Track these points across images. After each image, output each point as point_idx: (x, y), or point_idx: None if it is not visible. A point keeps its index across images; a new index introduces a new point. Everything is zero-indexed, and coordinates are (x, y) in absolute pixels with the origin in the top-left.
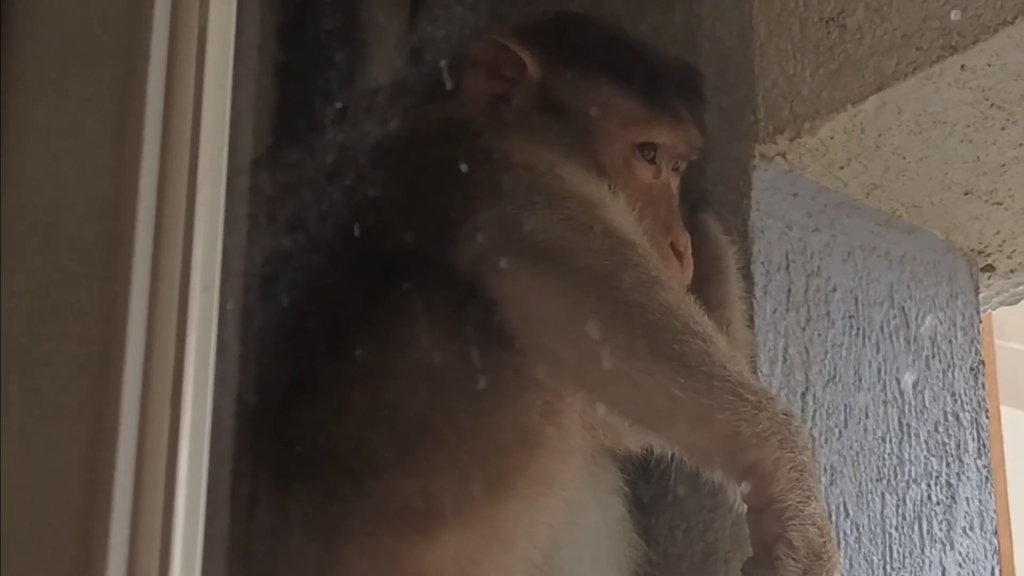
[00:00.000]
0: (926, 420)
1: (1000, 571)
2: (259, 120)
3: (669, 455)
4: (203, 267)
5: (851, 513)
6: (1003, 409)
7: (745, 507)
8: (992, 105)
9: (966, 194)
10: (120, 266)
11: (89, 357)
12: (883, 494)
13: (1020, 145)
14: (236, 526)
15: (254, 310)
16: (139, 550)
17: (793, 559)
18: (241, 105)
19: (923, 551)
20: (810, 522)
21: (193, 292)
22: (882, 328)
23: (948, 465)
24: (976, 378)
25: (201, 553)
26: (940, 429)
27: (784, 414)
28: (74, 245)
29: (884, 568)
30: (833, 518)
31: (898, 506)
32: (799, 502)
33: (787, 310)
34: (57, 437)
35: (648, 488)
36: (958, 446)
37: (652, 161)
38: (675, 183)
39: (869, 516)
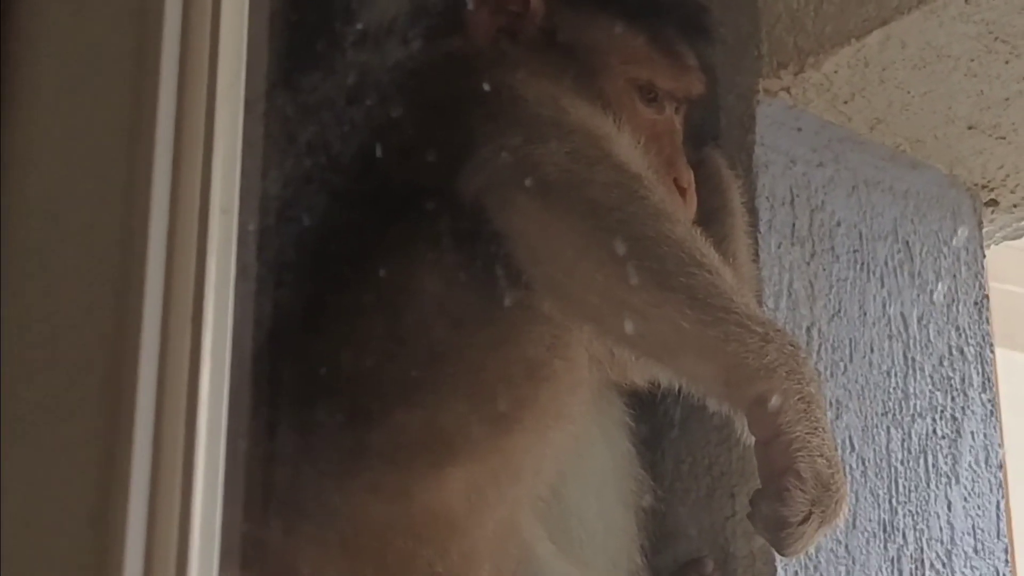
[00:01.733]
0: (931, 354)
1: (1006, 505)
2: (276, 42)
3: (676, 388)
4: (222, 189)
5: (857, 447)
6: (998, 351)
7: (752, 439)
8: (996, 39)
9: (970, 128)
10: (139, 189)
11: (108, 281)
12: (888, 428)
13: None
14: (257, 450)
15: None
16: (160, 473)
17: (801, 490)
18: (258, 27)
19: (928, 485)
20: (818, 453)
21: (213, 214)
22: (886, 263)
23: (953, 399)
24: (980, 312)
25: (223, 475)
26: (945, 363)
27: (791, 345)
28: (92, 169)
29: (890, 502)
30: (839, 452)
31: (903, 440)
32: (807, 433)
33: (791, 244)
34: (79, 359)
35: (654, 422)
36: (963, 380)
37: (654, 100)
38: (678, 119)
39: (875, 450)
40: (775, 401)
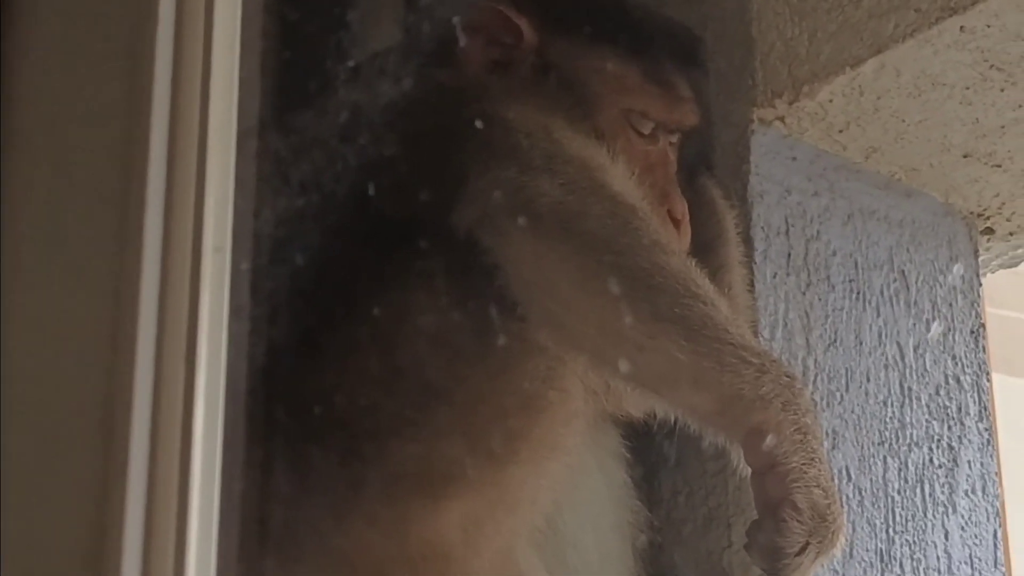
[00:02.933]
0: (927, 383)
1: (1002, 534)
2: (268, 81)
3: (672, 419)
4: (215, 228)
5: (853, 477)
6: (995, 377)
7: (749, 470)
8: (991, 66)
9: (965, 156)
10: (132, 228)
11: (102, 318)
12: (885, 458)
13: (1019, 107)
14: (252, 489)
15: (265, 271)
16: (155, 514)
17: (798, 521)
18: (250, 66)
19: (925, 514)
20: (814, 484)
21: (206, 253)
22: (882, 292)
23: (950, 428)
24: (976, 341)
25: (218, 516)
26: (941, 392)
27: (787, 376)
28: (85, 208)
29: (887, 531)
30: (835, 482)
31: (900, 470)
32: (803, 464)
33: (787, 274)
34: (72, 398)
35: (650, 453)
36: (959, 409)
37: (648, 131)
38: (672, 150)
39: (871, 480)
40: (771, 439)
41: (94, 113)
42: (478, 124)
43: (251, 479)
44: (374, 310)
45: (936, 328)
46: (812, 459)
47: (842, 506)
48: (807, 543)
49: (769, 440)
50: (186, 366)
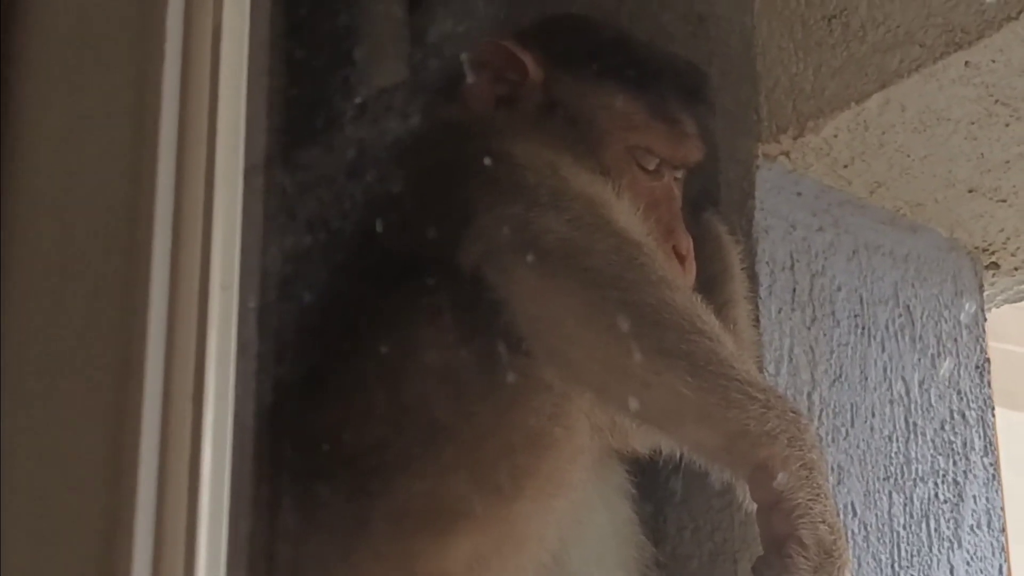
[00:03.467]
0: (932, 419)
1: (1008, 569)
2: (275, 118)
3: (677, 455)
4: (222, 265)
5: (859, 512)
6: (998, 411)
7: (754, 506)
8: (996, 101)
9: (970, 191)
10: (139, 265)
11: (110, 357)
12: (890, 493)
13: None
14: (259, 527)
15: (272, 309)
16: (164, 552)
17: (804, 557)
18: (256, 103)
19: (931, 549)
20: (820, 520)
21: (213, 290)
22: (887, 327)
23: (955, 463)
24: (982, 376)
25: (225, 555)
26: (946, 427)
27: (792, 412)
28: (92, 245)
29: (892, 567)
30: (841, 517)
31: (905, 505)
32: (809, 500)
33: (792, 310)
34: (79, 437)
35: (656, 489)
36: (964, 444)
37: (653, 167)
38: (677, 185)
39: (877, 515)
40: (778, 475)
41: (101, 149)
42: (485, 161)
43: (258, 517)
44: (380, 347)
45: (946, 365)
46: (818, 495)
47: (848, 542)
48: None
49: (775, 476)
50: (193, 404)
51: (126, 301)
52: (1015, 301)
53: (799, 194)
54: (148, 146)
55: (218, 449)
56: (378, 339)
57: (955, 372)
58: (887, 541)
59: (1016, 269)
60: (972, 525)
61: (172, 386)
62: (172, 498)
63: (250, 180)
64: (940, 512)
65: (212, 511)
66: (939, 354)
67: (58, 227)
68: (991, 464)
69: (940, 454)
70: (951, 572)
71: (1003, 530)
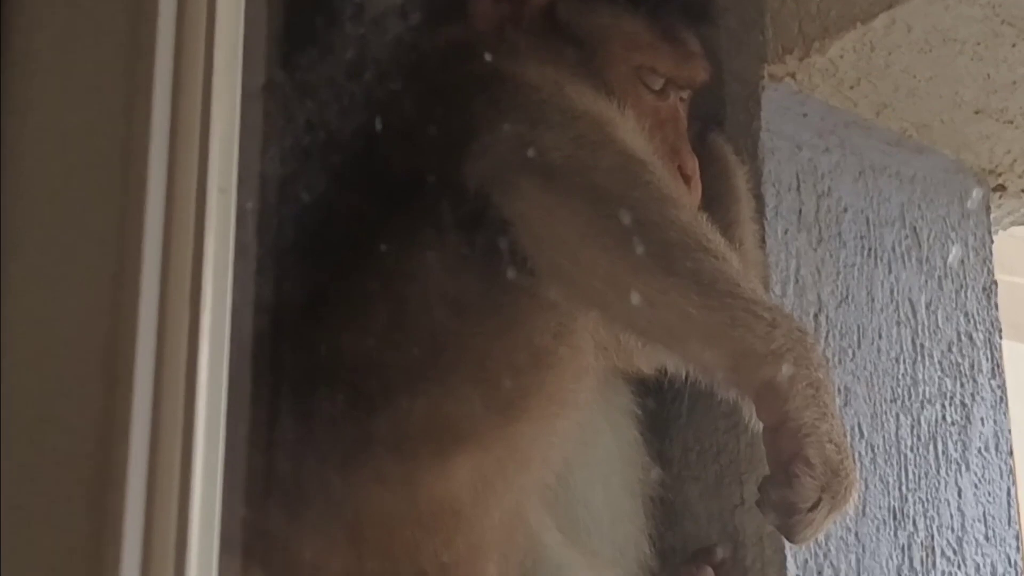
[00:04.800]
0: (939, 341)
1: (1016, 492)
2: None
3: (683, 375)
4: (220, 168)
5: (866, 434)
6: (1005, 343)
7: (761, 425)
8: (1003, 22)
9: (976, 113)
10: (136, 168)
11: (106, 260)
12: (897, 415)
13: None
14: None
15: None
16: (159, 459)
17: (811, 476)
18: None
19: (938, 472)
20: (827, 439)
21: (211, 193)
22: (894, 249)
23: (962, 386)
24: (988, 299)
25: (222, 462)
26: (954, 349)
27: (799, 331)
28: (87, 148)
29: (900, 489)
30: (848, 439)
31: (913, 427)
32: (815, 419)
33: (798, 231)
34: (74, 339)
35: (661, 410)
36: (972, 366)
37: (658, 87)
38: (683, 106)
39: (884, 437)
40: (784, 392)
41: (97, 50)
42: (488, 76)
43: (256, 427)
44: (382, 260)
45: (954, 253)
46: (824, 414)
47: (855, 463)
48: (820, 498)
49: (782, 395)
50: (191, 307)
51: (122, 204)
52: (1022, 223)
53: (805, 115)
54: (145, 47)
55: (215, 354)
56: (380, 257)
57: (962, 294)
58: (894, 463)
59: (1023, 191)
60: (980, 447)
61: (169, 289)
62: (168, 400)
63: (248, 81)
64: (948, 434)
65: (209, 415)
66: (945, 276)
67: (54, 129)
68: (999, 387)
69: (947, 376)
70: (959, 494)
71: (1011, 453)
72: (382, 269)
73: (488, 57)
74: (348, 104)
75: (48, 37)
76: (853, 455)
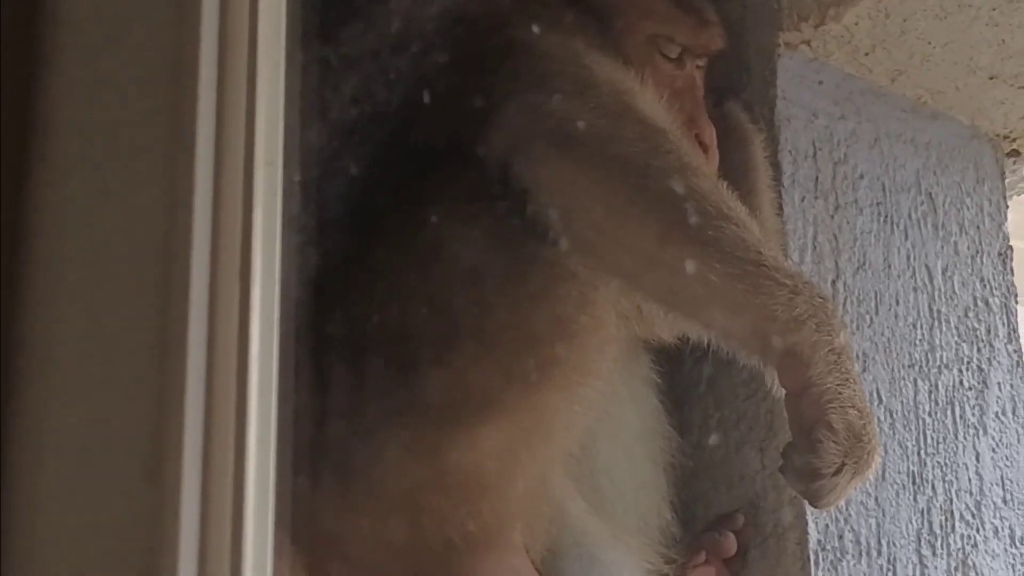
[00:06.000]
0: (956, 306)
1: None
2: None
3: (703, 344)
4: (266, 142)
5: (884, 399)
6: (1020, 309)
7: (783, 392)
8: None
9: (991, 79)
10: (184, 144)
11: (155, 233)
12: (915, 380)
13: None
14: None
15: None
16: (214, 433)
17: (834, 441)
18: None
19: (956, 436)
20: (849, 404)
21: (258, 167)
22: (910, 215)
23: (979, 350)
24: (1004, 263)
25: (275, 431)
26: (970, 314)
27: (820, 297)
28: (135, 125)
29: (918, 453)
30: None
31: (931, 392)
32: (838, 385)
33: (815, 198)
34: (127, 313)
35: (682, 379)
36: (988, 331)
37: (675, 56)
38: (699, 75)
39: (902, 402)
40: (807, 358)
41: (142, 29)
42: (507, 50)
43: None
44: (409, 232)
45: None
46: (847, 380)
47: (876, 428)
48: (843, 463)
49: (804, 362)
50: (240, 280)
51: (170, 179)
52: None
53: (820, 83)
54: (190, 23)
55: (266, 325)
56: (406, 229)
57: (978, 259)
58: (912, 428)
59: None
60: (997, 412)
61: (219, 263)
62: (222, 373)
63: (292, 56)
64: (965, 399)
65: (261, 386)
66: (961, 241)
67: (99, 105)
68: (1015, 351)
69: (964, 341)
70: (977, 459)
71: None
72: (408, 242)
73: (508, 28)
74: (377, 77)
75: (91, 11)
76: (874, 420)
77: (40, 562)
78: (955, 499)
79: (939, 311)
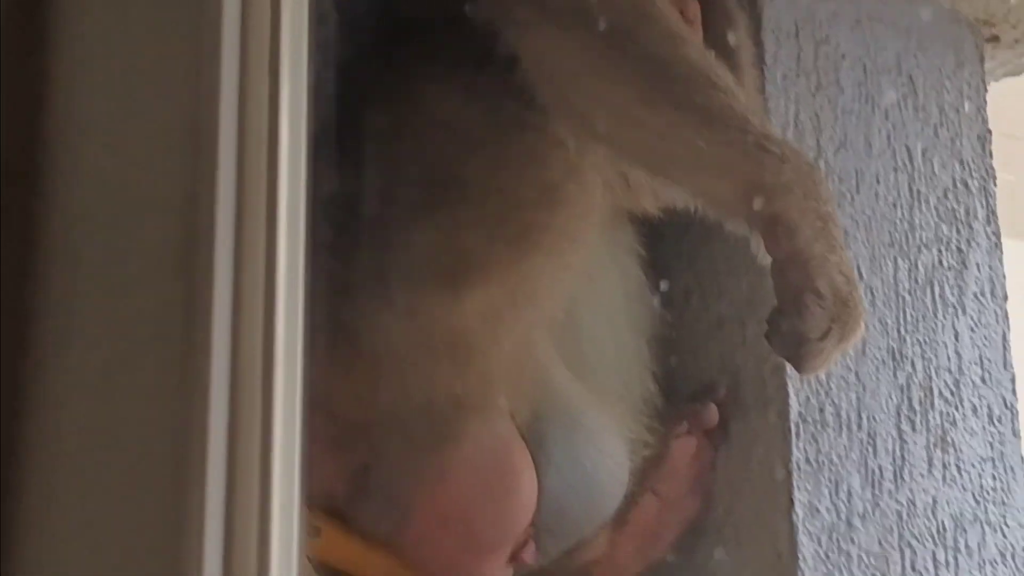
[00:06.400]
0: (935, 187)
1: (1010, 336)
2: None
3: (688, 214)
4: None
5: (865, 277)
6: (1005, 241)
7: (769, 259)
8: None
9: None
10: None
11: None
12: (895, 259)
13: None
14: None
15: None
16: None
17: (821, 306)
18: None
19: (935, 315)
20: (836, 270)
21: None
22: (891, 96)
23: (958, 231)
24: (983, 146)
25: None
26: (949, 196)
27: (807, 165)
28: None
29: (898, 331)
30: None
31: (910, 270)
32: (825, 251)
33: (797, 76)
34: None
35: (663, 252)
36: (967, 212)
37: None
38: None
39: (882, 280)
40: (793, 224)
41: None
42: None
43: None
44: (392, 100)
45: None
46: (834, 246)
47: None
48: (830, 328)
49: (791, 228)
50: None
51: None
52: (1015, 74)
53: None
54: None
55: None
56: (390, 88)
57: (957, 142)
58: (892, 306)
59: (1016, 42)
60: (976, 292)
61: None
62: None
63: None
64: (944, 278)
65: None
66: (941, 124)
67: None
68: (994, 233)
69: (943, 221)
70: (955, 337)
71: (1005, 298)
72: (392, 106)
73: None
74: None
75: None
76: (860, 287)
77: (61, 562)
78: (934, 376)
79: (919, 191)
